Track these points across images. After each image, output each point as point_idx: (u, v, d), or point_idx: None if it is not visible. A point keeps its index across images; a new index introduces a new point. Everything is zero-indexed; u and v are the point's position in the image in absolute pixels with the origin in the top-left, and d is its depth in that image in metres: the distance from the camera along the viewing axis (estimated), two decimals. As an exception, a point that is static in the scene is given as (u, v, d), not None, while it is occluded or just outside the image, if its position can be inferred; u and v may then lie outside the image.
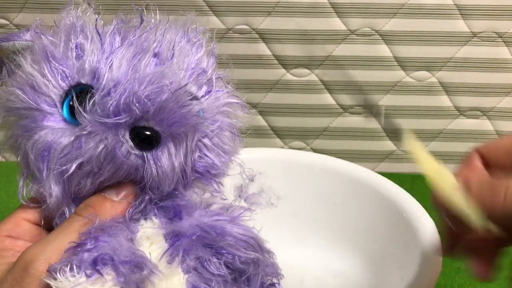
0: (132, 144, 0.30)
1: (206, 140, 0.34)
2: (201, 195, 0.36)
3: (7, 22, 0.69)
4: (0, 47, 0.34)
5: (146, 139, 0.30)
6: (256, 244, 0.33)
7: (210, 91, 0.35)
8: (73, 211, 0.32)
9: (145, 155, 0.31)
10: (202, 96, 0.34)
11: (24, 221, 0.34)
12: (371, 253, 0.53)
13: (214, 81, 0.35)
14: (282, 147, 0.75)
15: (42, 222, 0.34)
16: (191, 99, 0.33)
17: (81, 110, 0.31)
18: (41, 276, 0.29)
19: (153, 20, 0.34)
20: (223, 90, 0.36)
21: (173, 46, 0.33)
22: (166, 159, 0.31)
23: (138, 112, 0.30)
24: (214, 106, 0.35)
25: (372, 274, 0.52)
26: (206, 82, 0.35)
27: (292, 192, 0.58)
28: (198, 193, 0.36)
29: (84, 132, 0.30)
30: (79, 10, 0.33)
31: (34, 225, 0.34)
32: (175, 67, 0.32)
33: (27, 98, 0.32)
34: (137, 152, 0.30)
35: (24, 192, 0.34)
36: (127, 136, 0.30)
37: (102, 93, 0.30)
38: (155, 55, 0.33)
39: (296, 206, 0.58)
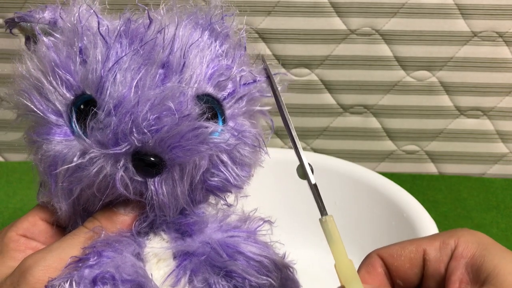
0: (134, 170, 0.29)
1: (223, 156, 0.31)
2: (216, 206, 0.34)
3: (7, 22, 0.69)
4: (19, 27, 0.33)
5: (149, 165, 0.29)
6: (271, 264, 0.32)
7: (234, 91, 0.33)
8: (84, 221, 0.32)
9: (148, 182, 0.29)
10: (225, 99, 0.32)
11: (40, 221, 0.33)
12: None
13: (239, 79, 0.33)
14: (282, 147, 0.75)
15: (55, 224, 0.33)
16: (209, 110, 0.30)
17: (81, 132, 0.29)
18: (37, 283, 0.28)
19: (164, 18, 0.32)
20: (251, 83, 0.34)
21: (184, 54, 0.31)
22: (169, 187, 0.30)
23: (136, 143, 0.28)
24: (237, 110, 0.33)
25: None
26: (230, 81, 0.33)
27: (291, 192, 0.58)
28: (212, 205, 0.34)
29: (86, 158, 0.29)
30: (80, 8, 0.31)
31: (51, 225, 0.34)
32: (184, 82, 0.30)
33: (33, 107, 0.31)
34: (139, 179, 0.29)
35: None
36: (129, 163, 0.29)
37: (103, 113, 0.29)
38: (163, 65, 0.30)
39: (295, 206, 0.58)
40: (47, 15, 0.32)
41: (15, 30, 0.34)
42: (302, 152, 0.30)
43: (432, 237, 0.29)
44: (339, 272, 0.27)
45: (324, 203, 0.60)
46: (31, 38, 0.33)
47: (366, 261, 0.29)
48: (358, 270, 0.29)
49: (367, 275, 0.29)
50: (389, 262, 0.29)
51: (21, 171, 0.73)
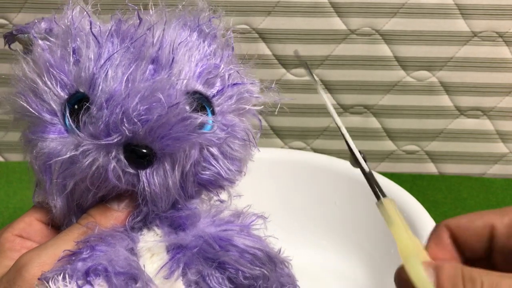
0: (126, 162, 0.29)
1: (213, 150, 0.32)
2: (209, 202, 0.35)
3: (7, 22, 0.69)
4: (17, 39, 0.34)
5: (141, 157, 0.29)
6: (265, 257, 0.32)
7: (222, 89, 0.33)
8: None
9: (139, 174, 0.30)
10: (214, 96, 0.33)
11: (36, 221, 0.34)
12: (371, 253, 0.53)
13: (227, 77, 0.34)
14: (282, 147, 0.75)
15: (50, 224, 0.34)
16: (197, 104, 0.31)
17: (74, 127, 0.30)
18: (32, 279, 0.29)
19: (153, 18, 0.33)
20: (240, 84, 0.34)
21: (173, 50, 0.32)
22: (161, 178, 0.30)
23: (127, 133, 0.29)
24: (226, 106, 0.33)
25: (372, 274, 0.52)
26: (219, 78, 0.33)
27: (292, 192, 0.58)
28: (205, 201, 0.34)
29: (79, 151, 0.29)
30: (74, 11, 0.33)
31: (46, 225, 0.34)
32: (173, 76, 0.31)
33: (29, 108, 0.31)
34: (131, 170, 0.30)
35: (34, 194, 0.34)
36: (121, 155, 0.29)
37: (96, 107, 0.30)
38: (153, 61, 0.31)
39: (296, 206, 0.58)
40: (43, 25, 0.33)
41: (14, 45, 0.35)
42: (350, 141, 0.31)
43: (501, 212, 0.29)
44: (399, 251, 0.26)
45: (324, 203, 0.60)
46: (29, 50, 0.34)
47: (434, 233, 0.29)
48: (427, 242, 0.29)
49: (436, 247, 0.28)
50: (456, 234, 0.29)
51: (21, 171, 0.73)
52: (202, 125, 0.31)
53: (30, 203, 0.35)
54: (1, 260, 0.32)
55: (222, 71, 0.34)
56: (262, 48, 0.69)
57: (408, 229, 0.28)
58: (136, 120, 0.29)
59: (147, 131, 0.29)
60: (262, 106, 0.36)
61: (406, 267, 0.25)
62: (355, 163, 0.31)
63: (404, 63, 0.70)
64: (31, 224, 0.34)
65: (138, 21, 0.32)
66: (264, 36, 0.69)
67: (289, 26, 0.68)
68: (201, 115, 0.31)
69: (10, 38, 0.35)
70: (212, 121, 0.32)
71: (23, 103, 0.32)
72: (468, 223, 0.29)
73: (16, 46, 0.35)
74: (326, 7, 0.67)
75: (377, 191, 0.29)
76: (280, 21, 0.68)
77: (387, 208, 0.29)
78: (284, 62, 0.70)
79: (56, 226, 0.34)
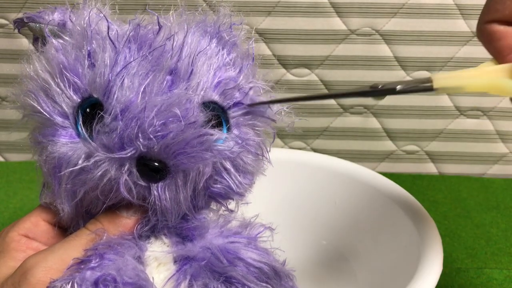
0: (138, 175, 0.29)
1: (226, 163, 0.32)
2: (218, 212, 0.34)
3: (7, 22, 0.69)
4: (28, 27, 0.33)
5: (153, 170, 0.29)
6: (271, 271, 0.32)
7: (240, 101, 0.33)
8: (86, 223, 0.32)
9: (151, 187, 0.29)
10: (230, 108, 0.32)
11: (42, 222, 0.34)
12: (371, 253, 0.53)
13: (245, 90, 0.33)
14: (282, 147, 0.75)
15: (57, 225, 0.34)
16: (213, 115, 0.31)
17: (87, 136, 0.29)
18: (38, 284, 0.28)
19: (173, 25, 0.32)
20: (257, 96, 0.34)
21: (192, 61, 0.31)
22: (172, 193, 0.30)
23: (142, 148, 0.28)
24: (242, 119, 0.33)
25: (372, 274, 0.52)
26: (236, 90, 0.33)
27: (292, 192, 0.58)
28: (214, 211, 0.34)
29: (90, 162, 0.29)
30: (90, 12, 0.32)
31: (52, 226, 0.34)
32: (191, 89, 0.30)
33: (39, 108, 0.31)
34: (143, 183, 0.29)
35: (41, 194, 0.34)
36: (133, 168, 0.29)
37: (110, 117, 0.29)
38: (171, 72, 0.30)
39: (296, 206, 0.58)
40: (57, 16, 0.32)
41: (24, 30, 0.34)
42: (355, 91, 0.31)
43: None
44: (495, 92, 0.27)
45: (324, 203, 0.60)
46: (39, 39, 0.33)
47: (486, 36, 0.28)
48: (493, 47, 0.28)
49: (502, 43, 0.28)
50: (500, 17, 0.28)
51: (21, 171, 0.73)
52: (216, 139, 0.31)
53: (30, 204, 0.35)
54: (6, 260, 0.31)
55: (241, 83, 0.33)
56: (262, 48, 0.69)
57: (471, 73, 0.27)
58: (151, 136, 0.28)
59: (162, 147, 0.28)
60: (275, 131, 0.36)
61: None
62: (378, 95, 0.30)
63: (404, 63, 0.70)
64: (38, 225, 0.33)
65: (157, 26, 0.31)
66: (264, 36, 0.69)
67: (289, 26, 0.68)
68: (217, 131, 0.31)
69: (20, 24, 0.34)
70: (226, 137, 0.32)
71: (33, 103, 0.31)
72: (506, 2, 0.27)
73: (28, 45, 0.34)
74: (326, 7, 0.67)
75: (423, 89, 0.29)
76: (280, 21, 0.68)
77: (443, 86, 0.29)
78: (284, 62, 0.70)
79: (63, 227, 0.34)
